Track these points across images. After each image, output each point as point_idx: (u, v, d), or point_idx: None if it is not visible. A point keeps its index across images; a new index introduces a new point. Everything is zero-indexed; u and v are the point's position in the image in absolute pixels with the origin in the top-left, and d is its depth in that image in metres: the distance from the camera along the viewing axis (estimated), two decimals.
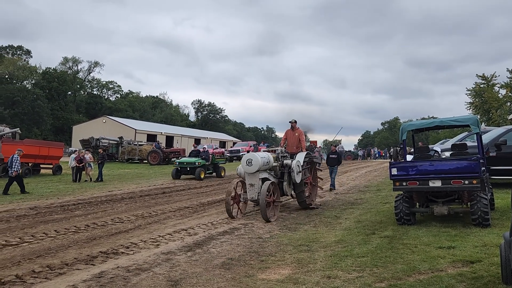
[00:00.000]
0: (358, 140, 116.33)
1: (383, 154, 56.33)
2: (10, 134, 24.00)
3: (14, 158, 15.38)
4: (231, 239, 7.96)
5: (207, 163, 21.55)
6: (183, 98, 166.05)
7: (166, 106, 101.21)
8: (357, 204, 12.39)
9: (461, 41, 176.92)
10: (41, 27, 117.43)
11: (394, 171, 8.52)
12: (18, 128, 26.95)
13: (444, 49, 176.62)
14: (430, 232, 7.78)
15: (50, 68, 75.73)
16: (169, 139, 59.04)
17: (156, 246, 7.40)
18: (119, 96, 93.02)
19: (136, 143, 39.67)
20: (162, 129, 62.34)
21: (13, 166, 15.19)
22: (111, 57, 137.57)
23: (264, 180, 10.26)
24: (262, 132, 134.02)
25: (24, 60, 71.52)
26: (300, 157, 11.59)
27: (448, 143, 17.14)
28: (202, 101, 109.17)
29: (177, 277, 5.57)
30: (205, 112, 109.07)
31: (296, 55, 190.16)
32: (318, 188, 12.81)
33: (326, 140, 42.05)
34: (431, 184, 8.22)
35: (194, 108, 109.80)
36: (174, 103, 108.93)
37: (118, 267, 6.07)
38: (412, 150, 11.65)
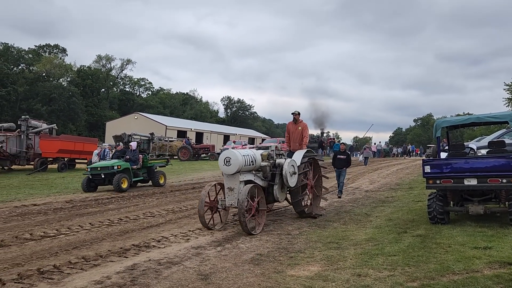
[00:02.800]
0: (390, 137, 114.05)
1: (418, 152, 53.10)
2: (48, 130, 24.88)
3: (106, 151, 18.26)
4: (260, 235, 7.99)
5: (135, 166, 15.44)
6: (211, 94, 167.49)
7: (196, 102, 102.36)
8: (388, 202, 12.17)
9: (494, 34, 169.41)
10: (69, 25, 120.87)
11: (428, 168, 8.31)
12: (55, 124, 27.90)
13: (477, 42, 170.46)
14: (465, 231, 7.55)
15: (84, 66, 78.01)
16: (199, 136, 59.72)
17: (186, 241, 7.52)
18: (150, 93, 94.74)
19: (166, 139, 40.32)
20: (192, 126, 63.12)
21: (107, 159, 17.49)
22: (138, 54, 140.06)
23: (247, 183, 8.44)
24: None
25: (60, 58, 73.86)
26: (298, 155, 9.81)
27: (485, 140, 16.56)
28: (232, 98, 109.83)
29: (207, 271, 5.64)
30: (234, 109, 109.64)
31: (322, 51, 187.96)
32: (322, 199, 10.74)
33: (356, 136, 41.46)
34: (466, 182, 7.98)
35: (223, 104, 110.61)
36: (203, 100, 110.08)
37: (149, 260, 6.21)
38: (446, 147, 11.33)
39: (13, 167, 22.48)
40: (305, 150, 10.11)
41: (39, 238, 7.64)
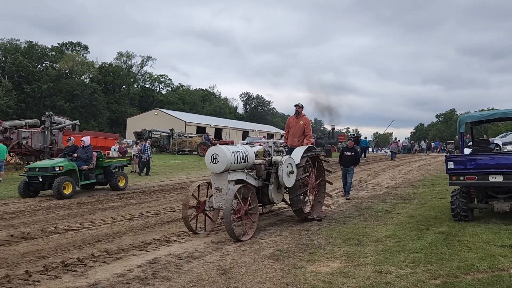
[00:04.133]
0: (411, 133, 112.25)
1: (440, 148, 51.83)
2: (71, 126, 25.38)
3: (146, 146, 19.30)
4: (280, 230, 7.98)
5: (85, 167, 12.89)
6: (229, 90, 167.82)
7: (215, 99, 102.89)
8: (410, 198, 11.99)
9: None
10: (88, 22, 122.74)
11: (451, 165, 8.14)
12: (78, 120, 28.49)
13: (500, 35, 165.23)
14: (490, 229, 7.38)
15: (106, 63, 79.23)
16: (218, 131, 60.03)
17: (206, 235, 7.57)
18: (170, 89, 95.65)
19: (186, 135, 40.66)
20: (211, 122, 63.49)
21: (147, 153, 18.95)
22: (155, 51, 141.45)
23: (239, 183, 7.63)
24: (311, 124, 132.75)
25: (82, 56, 75.21)
26: (297, 152, 8.84)
27: (511, 136, 16.14)
28: (250, 94, 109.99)
29: (227, 266, 5.67)
30: (253, 105, 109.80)
31: (339, 45, 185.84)
32: (327, 196, 9.96)
33: (376, 132, 40.87)
34: (491, 179, 7.78)
35: (242, 100, 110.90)
36: (222, 96, 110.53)
37: (170, 254, 6.27)
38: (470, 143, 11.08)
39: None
40: (306, 146, 9.15)
41: (63, 231, 7.81)
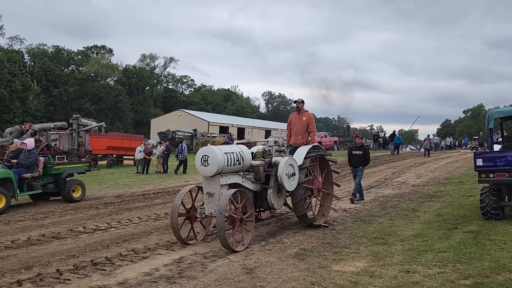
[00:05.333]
0: (437, 129, 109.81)
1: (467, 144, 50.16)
2: (97, 127, 25.96)
3: (183, 146, 20.26)
4: (304, 229, 7.95)
5: (28, 174, 10.80)
6: (251, 90, 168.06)
7: (237, 98, 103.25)
8: (437, 196, 11.73)
9: None
10: (110, 25, 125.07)
11: (480, 162, 7.93)
12: (103, 122, 29.08)
13: None
14: None
15: (130, 65, 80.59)
16: (241, 131, 60.19)
17: (231, 235, 7.60)
18: (192, 90, 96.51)
19: (209, 135, 40.99)
20: (233, 121, 63.71)
21: (184, 153, 19.94)
22: (176, 51, 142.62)
23: (233, 187, 7.03)
24: (333, 122, 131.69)
25: (107, 59, 76.70)
26: (300, 152, 8.09)
27: None
28: (273, 93, 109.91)
29: (252, 265, 5.69)
30: (275, 104, 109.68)
31: (360, 42, 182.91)
32: (334, 198, 9.05)
33: (401, 129, 40.05)
34: None
35: (264, 99, 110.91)
36: (244, 95, 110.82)
37: (196, 253, 6.34)
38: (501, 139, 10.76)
39: None
40: (310, 146, 8.40)
41: (92, 231, 8.00)
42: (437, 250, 6.13)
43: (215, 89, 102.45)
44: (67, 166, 12.27)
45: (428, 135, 34.17)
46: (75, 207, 10.71)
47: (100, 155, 24.11)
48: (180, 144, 21.08)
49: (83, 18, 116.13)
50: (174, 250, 6.56)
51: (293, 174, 7.55)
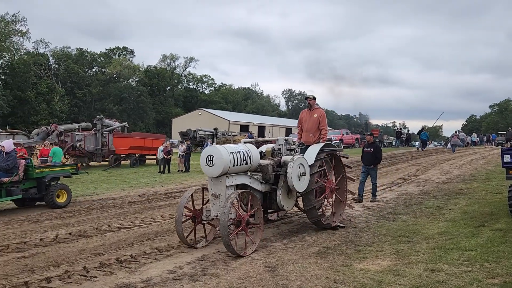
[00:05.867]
0: (462, 125, 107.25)
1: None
2: (120, 128, 26.42)
3: (207, 145, 19.83)
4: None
5: (6, 179, 9.94)
6: (270, 88, 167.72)
7: (257, 96, 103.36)
8: (463, 194, 11.47)
9: None
10: (131, 26, 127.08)
11: (507, 158, 7.72)
12: (126, 123, 29.58)
13: None
14: None
15: (151, 65, 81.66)
16: (261, 129, 60.26)
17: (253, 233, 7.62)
18: (213, 89, 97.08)
19: (230, 133, 41.20)
20: (254, 120, 63.86)
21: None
22: (196, 51, 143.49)
23: (241, 188, 6.79)
24: (355, 119, 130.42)
25: (129, 60, 77.90)
26: (311, 151, 7.67)
27: None
28: (293, 91, 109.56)
29: (274, 263, 5.69)
30: (296, 101, 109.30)
31: (381, 37, 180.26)
32: (346, 206, 8.57)
33: (425, 126, 39.18)
34: None
35: (284, 97, 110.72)
36: (264, 94, 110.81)
37: (218, 251, 6.38)
38: None
39: (91, 163, 24.15)
40: (322, 144, 8.01)
41: (116, 229, 8.15)
42: (464, 249, 6.00)
43: (235, 88, 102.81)
44: (50, 170, 11.32)
45: (456, 131, 33.49)
46: (100, 206, 10.93)
47: (123, 155, 24.52)
48: (205, 143, 21.20)
49: (105, 20, 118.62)
50: (197, 248, 6.62)
51: (304, 174, 7.15)
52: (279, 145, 7.70)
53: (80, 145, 22.47)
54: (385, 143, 42.42)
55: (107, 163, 23.80)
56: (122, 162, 24.44)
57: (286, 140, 7.77)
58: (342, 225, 7.93)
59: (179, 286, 4.90)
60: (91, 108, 65.17)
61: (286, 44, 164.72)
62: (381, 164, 20.42)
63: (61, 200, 11.01)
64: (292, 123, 71.10)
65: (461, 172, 17.25)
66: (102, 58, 75.30)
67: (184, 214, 6.77)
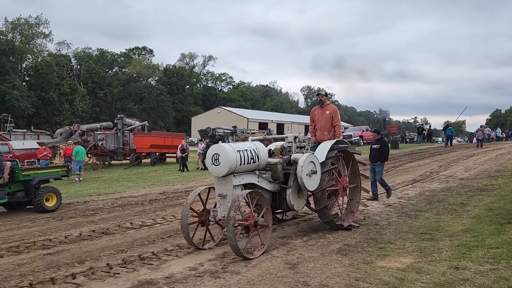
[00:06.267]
0: (487, 120, 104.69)
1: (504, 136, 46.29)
2: (140, 127, 26.77)
3: (229, 142, 19.42)
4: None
5: None
6: (289, 85, 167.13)
7: (276, 94, 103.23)
8: (487, 190, 11.20)
9: None
10: (149, 26, 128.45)
11: None
12: (146, 121, 29.98)
13: None
14: None
15: (170, 64, 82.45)
16: (280, 127, 60.17)
17: (273, 230, 7.61)
18: (231, 87, 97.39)
19: (248, 131, 41.28)
20: (272, 117, 63.82)
21: None
22: (213, 49, 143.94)
23: (249, 187, 6.58)
24: (375, 115, 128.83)
25: (148, 59, 78.82)
26: (322, 148, 7.41)
27: None
28: (312, 87, 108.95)
29: (295, 261, 5.68)
30: (315, 98, 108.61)
31: (400, 32, 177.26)
32: (361, 205, 8.37)
33: (447, 121, 38.41)
34: None
35: (303, 94, 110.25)
36: (283, 91, 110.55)
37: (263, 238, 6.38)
38: None
39: (112, 162, 24.58)
40: (334, 140, 7.72)
41: (138, 227, 8.27)
42: (489, 246, 5.86)
43: (254, 85, 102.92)
44: (38, 172, 10.87)
45: (481, 126, 32.74)
46: (122, 204, 11.11)
47: (144, 154, 24.85)
48: (227, 141, 21.36)
49: (124, 21, 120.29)
50: (218, 245, 6.66)
51: (314, 172, 6.89)
52: (289, 142, 7.48)
53: (102, 144, 22.88)
54: (407, 139, 41.80)
55: (128, 161, 24.16)
56: (143, 160, 24.78)
57: (296, 137, 7.56)
58: (356, 224, 7.66)
59: (200, 283, 4.94)
60: (112, 108, 66.25)
61: (303, 41, 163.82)
62: (402, 161, 20.15)
63: (50, 204, 10.46)
64: None
65: (486, 168, 16.83)
66: (122, 58, 76.45)
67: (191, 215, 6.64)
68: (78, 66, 68.43)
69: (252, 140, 7.17)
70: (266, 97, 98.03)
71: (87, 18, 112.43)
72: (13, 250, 6.72)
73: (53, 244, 7.04)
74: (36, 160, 13.18)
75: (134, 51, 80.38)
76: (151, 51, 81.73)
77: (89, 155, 22.72)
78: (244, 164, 6.32)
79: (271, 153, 7.33)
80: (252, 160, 6.47)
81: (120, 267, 5.64)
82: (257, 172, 6.73)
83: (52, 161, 20.90)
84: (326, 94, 8.47)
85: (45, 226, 8.60)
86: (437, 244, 6.24)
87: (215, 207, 6.69)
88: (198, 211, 6.79)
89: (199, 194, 6.75)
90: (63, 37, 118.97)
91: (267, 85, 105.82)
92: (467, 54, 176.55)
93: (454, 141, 48.38)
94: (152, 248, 6.60)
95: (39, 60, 58.73)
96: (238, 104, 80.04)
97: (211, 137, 35.92)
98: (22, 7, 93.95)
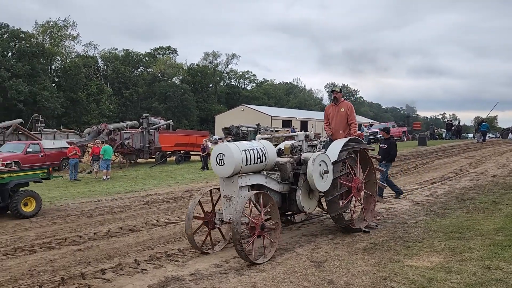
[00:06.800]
0: None
1: None
2: (165, 125, 27.12)
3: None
4: (373, 222, 7.71)
5: None
6: (313, 82, 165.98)
7: (299, 91, 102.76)
8: None
9: None
10: (171, 25, 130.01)
11: None
12: (171, 120, 30.33)
13: None
14: None
15: (193, 63, 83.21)
16: (304, 124, 59.86)
17: (297, 228, 7.59)
18: (254, 85, 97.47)
19: (272, 129, 41.20)
20: (296, 115, 63.53)
21: None
22: (236, 48, 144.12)
23: (256, 188, 6.26)
24: (402, 112, 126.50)
25: (172, 59, 79.76)
26: (335, 147, 7.01)
27: None
28: (336, 84, 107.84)
29: (320, 259, 5.64)
30: (331, 94, 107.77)
31: (426, 25, 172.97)
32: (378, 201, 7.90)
33: (478, 117, 37.36)
34: None
35: (327, 91, 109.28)
36: (307, 88, 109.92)
37: (263, 247, 6.39)
38: None
39: (138, 160, 25.00)
40: (347, 139, 7.30)
41: (164, 224, 8.39)
42: None
43: (277, 83, 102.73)
44: (14, 175, 9.93)
45: None
46: (148, 202, 11.28)
47: (169, 152, 25.18)
48: (251, 139, 21.41)
49: (147, 21, 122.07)
50: (242, 243, 6.67)
51: (325, 172, 6.50)
52: (299, 141, 7.14)
53: (128, 143, 23.30)
54: (436, 136, 40.96)
55: (153, 160, 24.52)
56: (168, 158, 25.09)
57: (307, 136, 7.22)
58: (374, 223, 7.32)
59: (226, 279, 4.96)
60: (138, 107, 67.39)
61: (327, 37, 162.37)
62: (430, 158, 19.70)
63: (29, 209, 9.64)
64: None
65: None
66: (147, 58, 77.61)
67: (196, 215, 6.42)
68: (105, 67, 69.92)
69: (259, 139, 6.92)
70: (289, 95, 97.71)
71: (113, 20, 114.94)
72: (46, 246, 6.93)
73: (83, 241, 7.23)
74: (13, 162, 12.66)
75: (159, 51, 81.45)
76: (175, 51, 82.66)
77: (116, 154, 23.17)
78: (250, 164, 6.02)
79: (280, 152, 7.09)
80: (259, 159, 6.16)
81: (147, 263, 5.73)
82: (265, 173, 6.41)
83: (81, 159, 21.46)
84: (341, 91, 8.17)
85: (75, 223, 8.83)
86: (467, 243, 6.08)
87: (220, 209, 6.39)
88: (205, 213, 6.54)
89: (199, 203, 6.45)
90: (90, 39, 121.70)
91: (290, 83, 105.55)
92: (497, 47, 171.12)
93: (486, 137, 47.04)
94: (178, 245, 6.68)
95: (68, 61, 60.33)
96: (261, 102, 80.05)
97: (234, 135, 36.07)
98: (51, 10, 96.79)
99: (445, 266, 5.12)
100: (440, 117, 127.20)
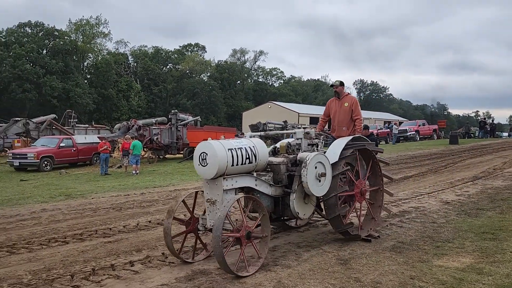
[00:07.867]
0: None
1: None
2: (193, 122, 27.45)
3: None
4: (402, 222, 7.59)
5: None
6: (340, 78, 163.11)
7: (327, 88, 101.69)
8: None
9: None
10: (200, 23, 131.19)
11: None
12: (199, 117, 30.66)
13: None
14: None
15: (221, 60, 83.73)
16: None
17: (324, 225, 7.55)
18: (282, 82, 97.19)
19: (299, 126, 41.01)
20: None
21: None
22: (263, 44, 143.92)
23: (245, 191, 5.74)
24: (432, 109, 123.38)
25: (200, 56, 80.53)
26: (335, 146, 6.25)
27: None
28: (365, 81, 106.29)
29: (346, 256, 5.59)
30: (368, 92, 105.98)
31: (459, 20, 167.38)
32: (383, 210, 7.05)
33: None
34: None
35: (356, 88, 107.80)
36: None
37: (289, 243, 6.40)
38: None
39: (166, 156, 25.41)
40: (349, 137, 6.50)
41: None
42: None
43: (304, 80, 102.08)
44: None
45: None
46: (176, 196, 11.46)
47: None
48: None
49: (177, 18, 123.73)
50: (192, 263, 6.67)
51: (323, 175, 5.83)
52: (297, 139, 6.47)
53: (157, 138, 23.70)
54: (471, 134, 39.87)
55: (181, 155, 24.87)
56: None
57: (307, 133, 6.47)
58: (376, 234, 6.58)
59: (252, 275, 4.99)
60: (166, 103, 68.45)
61: (355, 33, 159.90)
62: (462, 157, 19.16)
63: None
64: (365, 114, 68.98)
65: None
66: (176, 55, 78.67)
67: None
68: (135, 64, 71.31)
69: (250, 136, 6.37)
70: (317, 91, 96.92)
71: (142, 17, 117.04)
72: (77, 237, 7.16)
73: (113, 233, 7.42)
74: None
75: (187, 48, 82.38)
76: (203, 48, 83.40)
77: (145, 149, 23.63)
78: (237, 164, 5.40)
79: (276, 151, 6.53)
80: (247, 160, 5.52)
81: (175, 256, 5.83)
82: (255, 174, 5.73)
83: (112, 154, 22.01)
84: (342, 84, 7.47)
85: (105, 216, 9.07)
86: (500, 244, 5.90)
87: (204, 214, 5.85)
88: (185, 220, 6.06)
89: (183, 201, 5.94)
90: (121, 36, 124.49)
91: (318, 79, 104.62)
92: None
93: None
94: (205, 239, 6.75)
95: (99, 58, 61.90)
96: (289, 99, 79.74)
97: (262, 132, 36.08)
98: (83, 9, 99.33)
99: (476, 267, 4.98)
100: (473, 115, 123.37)
